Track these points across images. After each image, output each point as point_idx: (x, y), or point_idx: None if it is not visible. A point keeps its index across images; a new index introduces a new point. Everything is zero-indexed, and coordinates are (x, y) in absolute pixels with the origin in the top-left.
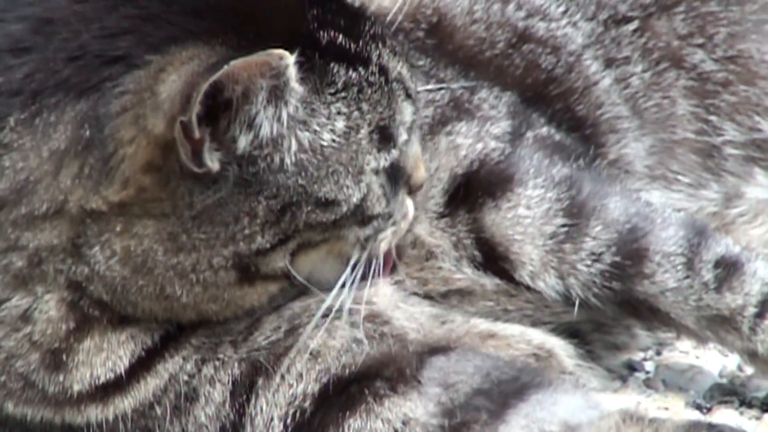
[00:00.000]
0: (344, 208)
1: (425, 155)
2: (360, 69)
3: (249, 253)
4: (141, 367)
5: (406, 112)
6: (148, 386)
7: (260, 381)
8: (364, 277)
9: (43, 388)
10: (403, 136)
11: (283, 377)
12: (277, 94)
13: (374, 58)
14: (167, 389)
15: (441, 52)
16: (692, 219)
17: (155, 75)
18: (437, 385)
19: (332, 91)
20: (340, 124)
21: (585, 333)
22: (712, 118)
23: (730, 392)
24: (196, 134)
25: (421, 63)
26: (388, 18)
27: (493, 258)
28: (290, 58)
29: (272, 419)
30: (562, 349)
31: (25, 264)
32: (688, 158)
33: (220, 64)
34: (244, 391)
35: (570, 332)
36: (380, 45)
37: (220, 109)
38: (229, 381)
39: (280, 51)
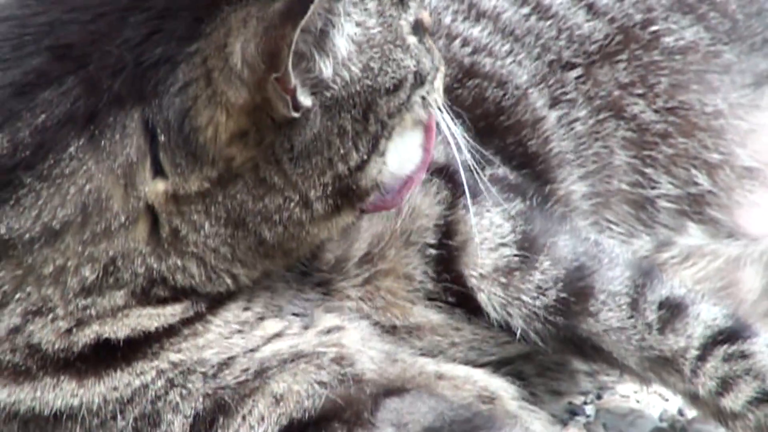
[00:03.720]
0: (409, 81)
1: None
2: None
3: (348, 172)
4: (129, 351)
5: None
6: (122, 380)
7: (221, 420)
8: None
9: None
10: None
11: (244, 418)
12: (345, 9)
13: None
14: (134, 401)
15: None
16: (639, 260)
17: (217, 53)
18: (391, 425)
19: None
20: (371, 4)
21: (529, 377)
22: (649, 170)
23: None
24: (292, 83)
25: None
26: None
27: (448, 245)
28: None
29: None
30: (505, 391)
31: (99, 274)
32: (622, 209)
33: (300, 5)
34: (204, 428)
35: (514, 375)
36: None
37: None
38: (191, 414)
39: None
